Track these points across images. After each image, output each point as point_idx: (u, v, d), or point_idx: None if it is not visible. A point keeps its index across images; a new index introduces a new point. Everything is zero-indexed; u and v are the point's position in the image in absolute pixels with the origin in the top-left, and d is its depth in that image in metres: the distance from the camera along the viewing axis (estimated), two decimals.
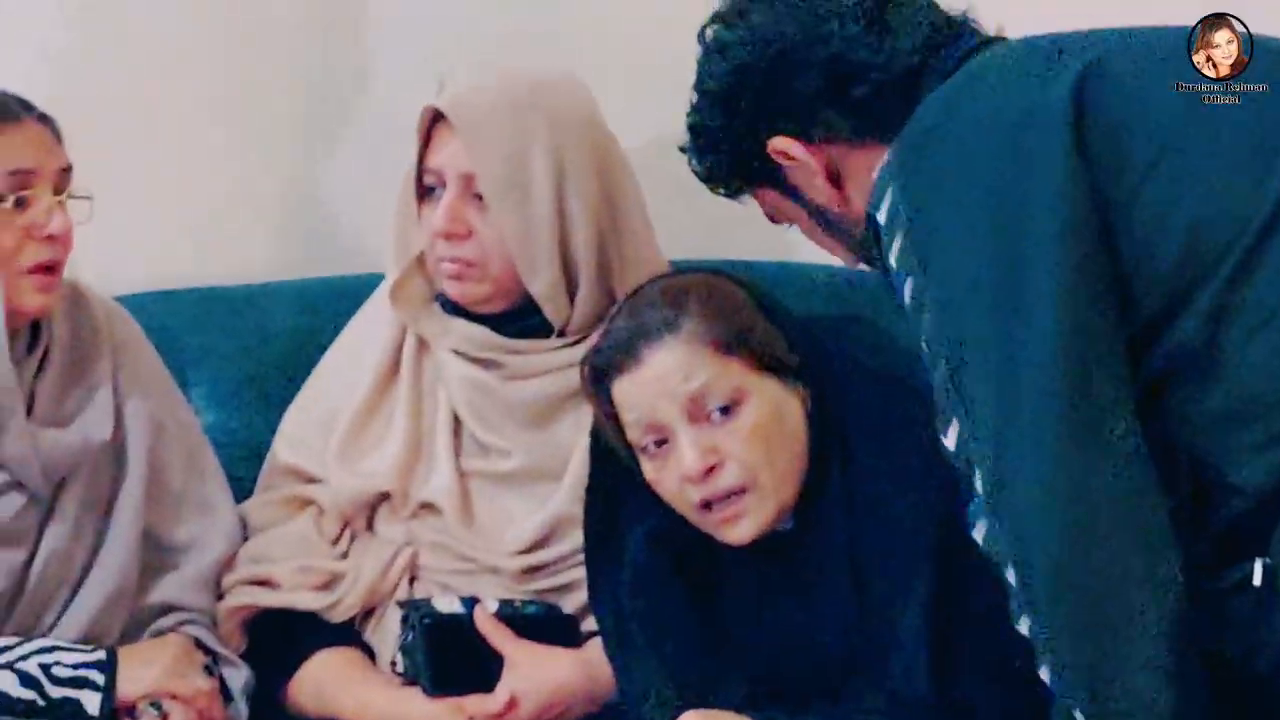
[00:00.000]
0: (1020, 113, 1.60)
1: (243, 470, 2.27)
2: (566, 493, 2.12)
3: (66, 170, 1.96)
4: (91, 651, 1.98)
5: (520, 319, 2.17)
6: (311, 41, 2.68)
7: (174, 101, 2.57)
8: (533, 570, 2.13)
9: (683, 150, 1.84)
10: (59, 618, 2.05)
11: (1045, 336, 1.49)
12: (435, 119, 2.14)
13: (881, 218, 1.59)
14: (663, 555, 2.03)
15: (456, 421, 2.20)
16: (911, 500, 1.94)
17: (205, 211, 2.62)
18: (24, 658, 1.95)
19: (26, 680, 1.94)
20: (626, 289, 2.16)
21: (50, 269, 1.99)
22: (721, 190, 1.85)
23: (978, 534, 1.52)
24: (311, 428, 2.24)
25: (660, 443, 1.86)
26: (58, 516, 2.04)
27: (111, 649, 2.00)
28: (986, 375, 1.53)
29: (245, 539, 2.21)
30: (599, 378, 1.92)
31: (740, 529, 1.91)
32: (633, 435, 1.87)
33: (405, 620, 2.06)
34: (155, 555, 2.13)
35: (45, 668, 1.95)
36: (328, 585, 2.13)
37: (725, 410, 1.88)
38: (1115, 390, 1.48)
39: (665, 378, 1.90)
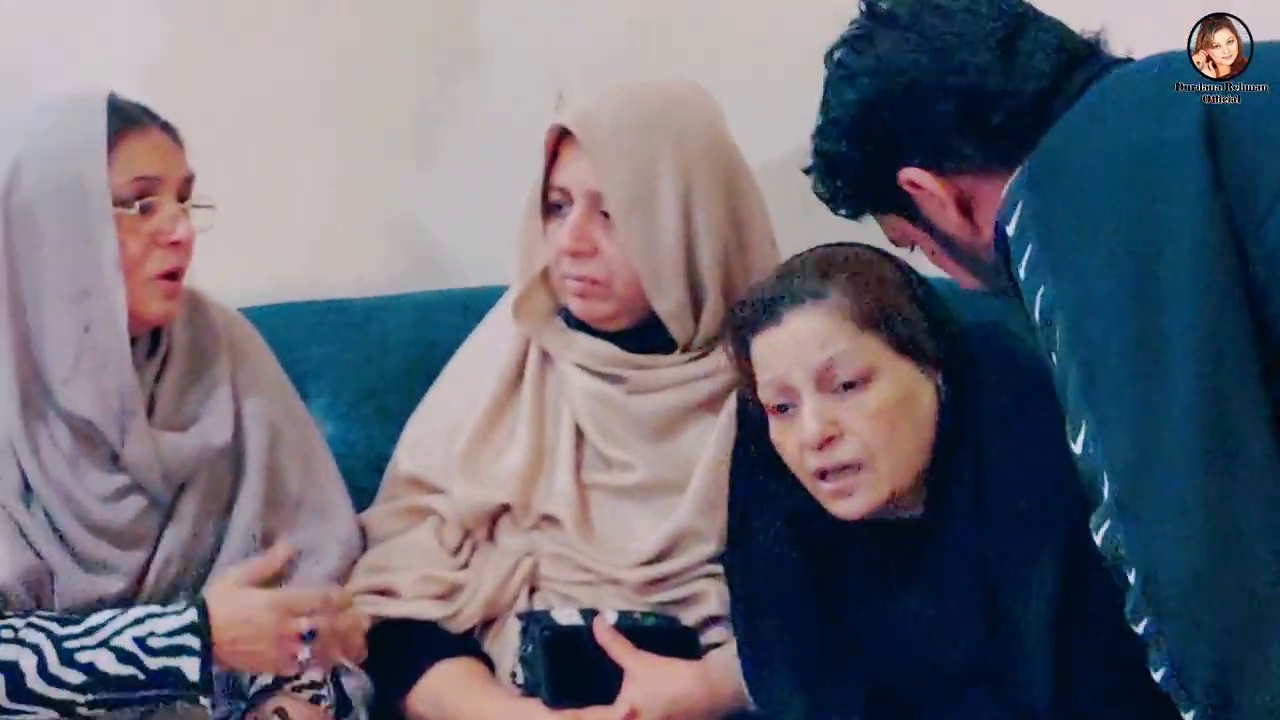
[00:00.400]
0: (1157, 126, 1.61)
1: (363, 481, 2.28)
2: (689, 505, 2.12)
3: (189, 179, 1.99)
4: (183, 612, 1.99)
5: (643, 336, 2.18)
6: (424, 66, 2.71)
7: (296, 119, 2.62)
8: (654, 583, 2.13)
9: (806, 172, 1.83)
10: None
11: (1186, 354, 1.48)
12: (561, 136, 2.14)
13: (1011, 229, 1.60)
14: (798, 540, 2.04)
15: (578, 434, 2.20)
16: (1043, 500, 1.93)
17: (325, 225, 2.67)
18: (118, 633, 1.96)
19: (124, 656, 1.94)
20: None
21: (173, 276, 2.01)
22: (843, 212, 1.85)
23: (1098, 536, 1.53)
24: (433, 439, 2.25)
25: (788, 406, 1.87)
26: (177, 519, 2.07)
27: (202, 603, 2.02)
28: (1123, 388, 1.52)
29: (365, 548, 2.23)
30: (740, 332, 1.94)
31: (850, 504, 1.92)
32: (764, 395, 1.89)
33: (525, 632, 2.07)
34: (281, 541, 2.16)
35: (140, 640, 1.95)
36: (448, 595, 2.15)
37: (853, 385, 1.89)
38: (1254, 408, 1.47)
39: (801, 343, 1.91)
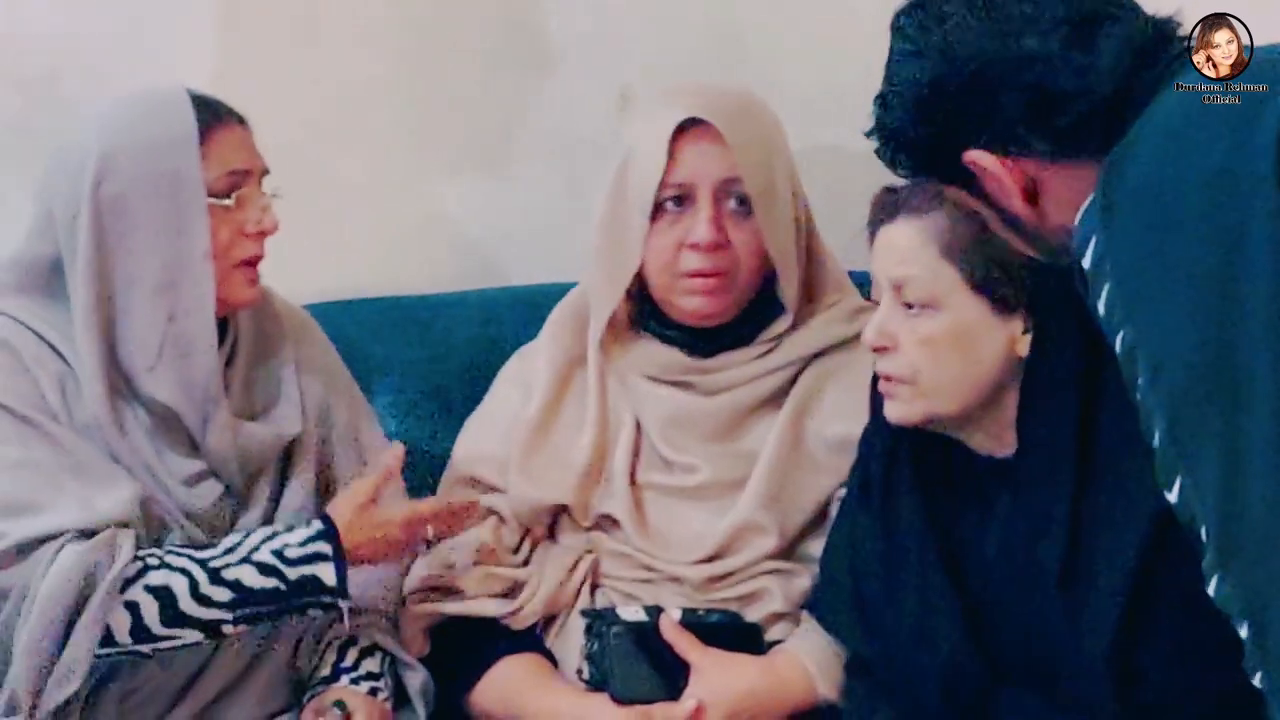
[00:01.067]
0: (1234, 157, 1.56)
1: (425, 478, 2.30)
2: (749, 500, 2.14)
3: (266, 172, 2.04)
4: (309, 525, 2.07)
5: (719, 335, 2.22)
6: (490, 70, 2.73)
7: (363, 120, 2.69)
8: (715, 579, 2.15)
9: (868, 135, 1.77)
10: None
11: (1267, 399, 1.46)
12: (678, 133, 2.17)
13: (1087, 264, 1.58)
14: (914, 465, 2.12)
15: (637, 433, 2.24)
16: (1146, 471, 1.80)
17: (390, 224, 2.72)
18: (255, 549, 2.02)
19: (265, 569, 2.01)
20: (825, 289, 2.32)
21: (253, 263, 2.07)
22: (903, 174, 1.81)
23: (1210, 588, 1.48)
24: (491, 438, 2.28)
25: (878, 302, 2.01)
26: (251, 505, 2.13)
27: (325, 514, 2.09)
28: (1210, 439, 1.50)
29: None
30: (872, 224, 2.03)
31: (891, 409, 2.02)
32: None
33: (590, 629, 2.08)
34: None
35: (278, 553, 2.02)
36: (510, 593, 2.17)
37: (916, 307, 1.96)
38: None
39: (890, 251, 2.01)
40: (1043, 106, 1.65)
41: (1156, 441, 1.51)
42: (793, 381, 2.24)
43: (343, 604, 2.04)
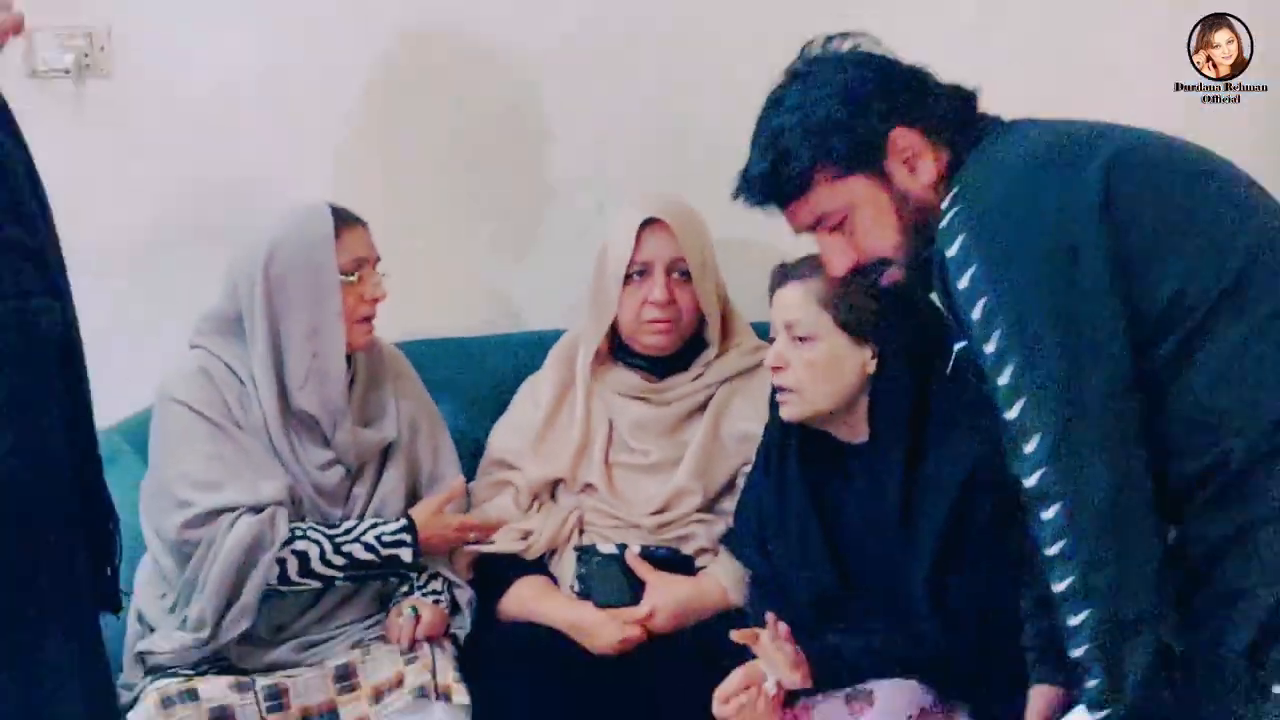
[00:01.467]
0: (1070, 189, 1.93)
1: (471, 459, 2.97)
2: (683, 474, 2.81)
3: (378, 259, 2.66)
4: (396, 522, 2.74)
5: (668, 362, 2.87)
6: (513, 185, 3.39)
7: (431, 203, 3.33)
8: (661, 526, 2.81)
9: (768, 155, 2.11)
10: None
11: (1096, 350, 1.86)
12: (642, 227, 2.79)
13: (953, 252, 1.92)
14: (801, 457, 2.65)
15: (610, 430, 2.88)
16: (954, 452, 2.50)
17: (448, 284, 3.37)
18: (363, 534, 2.70)
19: (368, 548, 2.68)
20: (735, 333, 2.96)
21: (369, 319, 2.68)
22: (794, 189, 2.07)
23: (1032, 479, 1.83)
24: (513, 434, 2.93)
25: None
26: (360, 483, 2.77)
27: (409, 517, 2.75)
28: (1055, 374, 1.85)
29: (469, 508, 2.90)
30: (773, 284, 2.56)
31: (784, 410, 2.56)
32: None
33: (579, 559, 2.71)
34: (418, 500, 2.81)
35: (377, 538, 2.68)
36: (524, 537, 2.81)
37: (802, 339, 2.49)
38: (1133, 398, 1.84)
39: (784, 304, 2.52)
40: (929, 101, 2.05)
41: (1009, 376, 1.84)
42: (712, 396, 2.88)
43: (414, 574, 2.71)
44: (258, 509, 2.68)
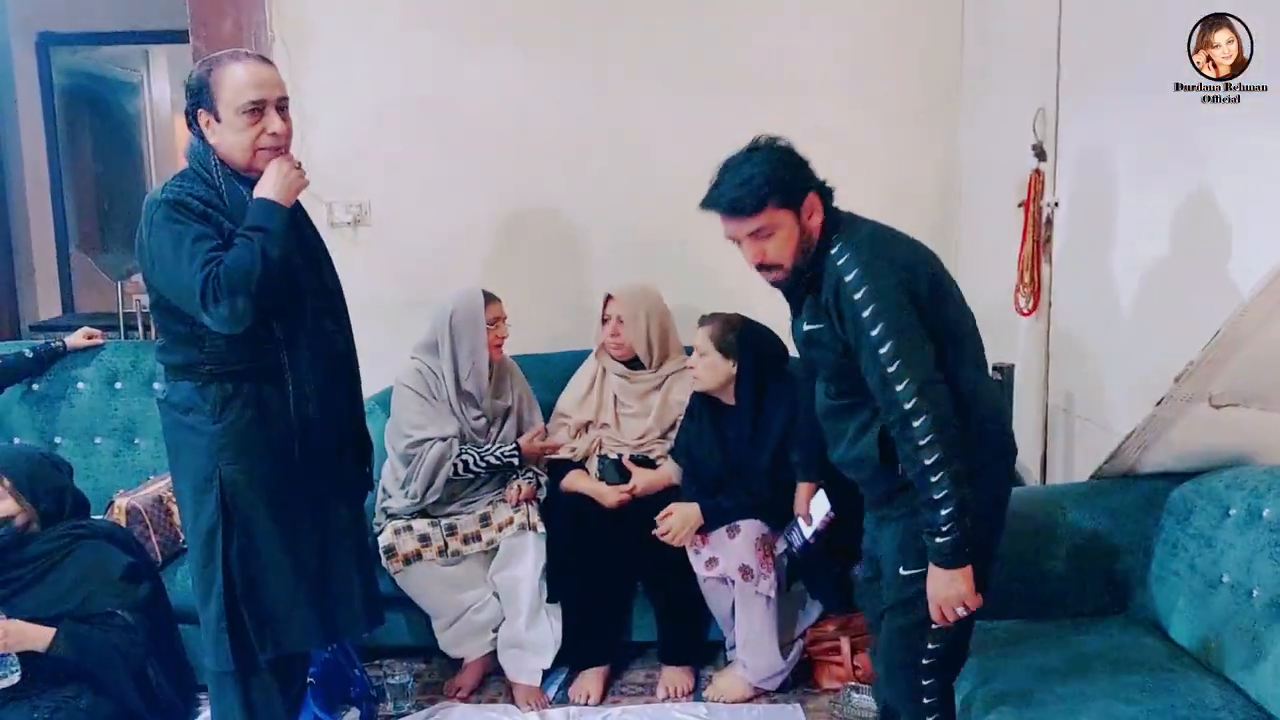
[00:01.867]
0: (915, 252, 2.14)
1: (545, 414, 3.45)
2: (650, 420, 3.38)
3: (505, 316, 3.22)
4: (510, 445, 3.22)
5: (635, 363, 3.41)
6: (570, 265, 3.82)
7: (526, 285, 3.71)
8: (639, 445, 3.37)
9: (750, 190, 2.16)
10: None
11: (926, 341, 2.00)
12: (609, 298, 3.39)
13: (848, 277, 2.01)
14: (705, 417, 3.12)
15: (614, 397, 3.42)
16: (776, 413, 2.98)
17: (539, 327, 3.68)
18: (491, 452, 3.19)
19: (497, 458, 3.20)
20: (670, 356, 3.38)
21: (500, 347, 3.20)
22: (753, 208, 2.12)
23: (909, 404, 1.93)
24: (566, 400, 3.49)
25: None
26: (493, 427, 3.33)
27: (517, 444, 3.21)
28: (912, 347, 1.97)
29: (546, 435, 3.36)
30: (699, 325, 3.06)
31: (694, 385, 3.12)
32: None
33: (599, 461, 3.36)
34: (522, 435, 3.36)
35: (502, 453, 3.22)
36: (573, 450, 3.40)
37: (701, 355, 3.05)
38: (940, 380, 2.00)
39: (698, 340, 3.04)
40: (820, 182, 2.19)
41: (889, 346, 1.95)
42: (663, 382, 3.40)
43: (519, 470, 3.26)
44: (443, 439, 3.20)
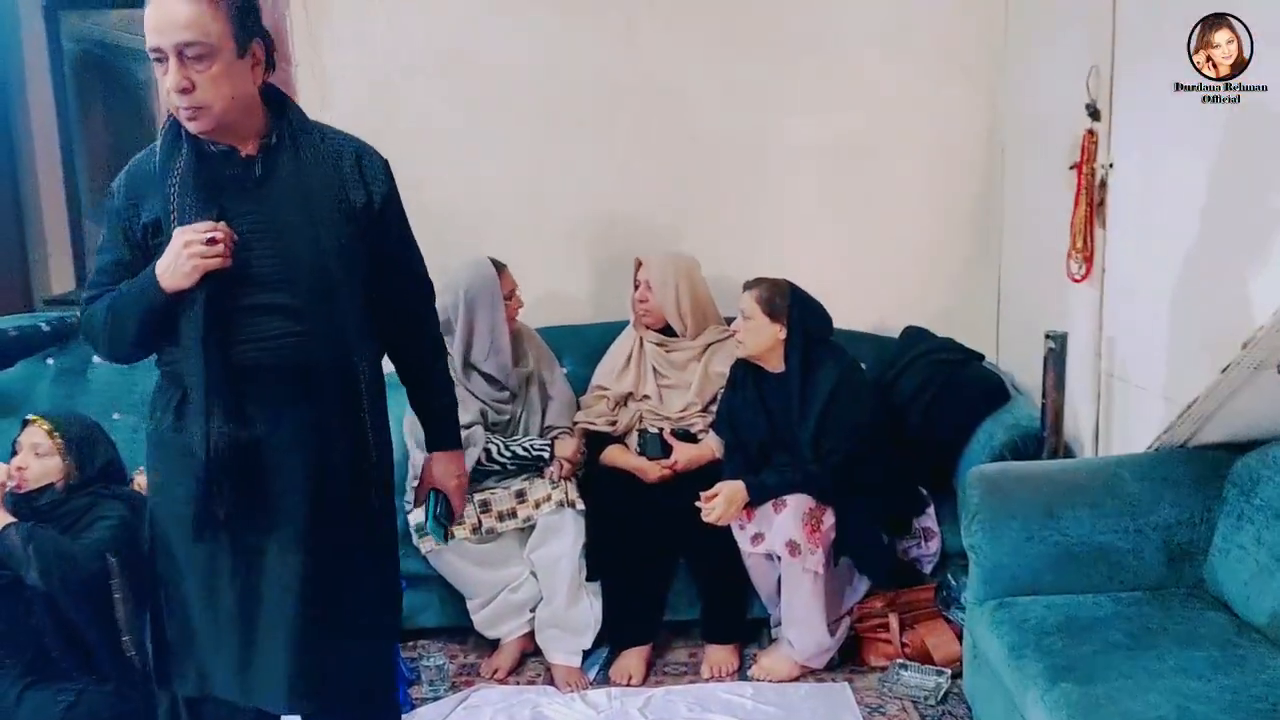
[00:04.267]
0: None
1: (579, 390, 3.47)
2: (691, 393, 3.35)
3: (516, 285, 3.32)
4: (544, 440, 3.18)
5: (670, 331, 3.39)
6: (607, 235, 3.79)
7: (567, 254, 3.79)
8: (680, 419, 3.36)
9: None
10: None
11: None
12: (639, 264, 3.42)
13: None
14: (750, 384, 3.10)
15: (653, 368, 3.40)
16: (826, 376, 2.98)
17: (575, 297, 3.79)
18: (520, 442, 3.16)
19: (525, 449, 3.14)
20: (708, 325, 3.39)
21: (515, 318, 3.23)
22: None
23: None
24: (606, 371, 3.47)
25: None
26: (515, 403, 3.31)
27: (553, 442, 3.16)
28: None
29: (579, 408, 3.41)
30: (744, 290, 3.05)
31: (738, 350, 3.08)
32: None
33: (639, 435, 3.37)
34: (550, 405, 3.34)
35: (528, 448, 3.17)
36: (612, 424, 3.40)
37: (746, 318, 3.02)
38: None
39: (743, 302, 3.03)
40: None
41: None
42: (704, 352, 3.39)
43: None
44: (466, 427, 3.08)
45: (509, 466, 3.16)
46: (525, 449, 3.18)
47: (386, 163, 2.09)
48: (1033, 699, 2.21)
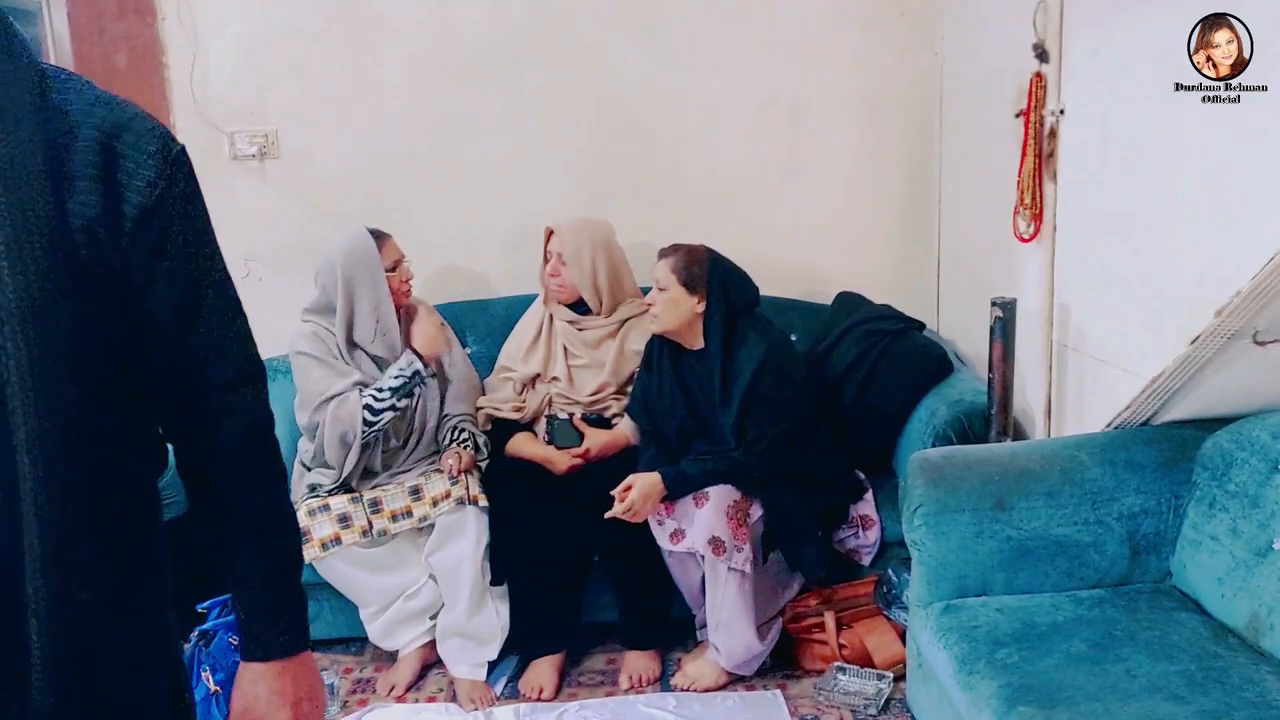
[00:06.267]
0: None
1: (484, 371, 3.23)
2: (605, 373, 3.08)
3: (403, 257, 2.94)
4: (403, 353, 2.86)
5: (583, 307, 3.13)
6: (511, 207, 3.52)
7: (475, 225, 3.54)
8: (593, 403, 3.10)
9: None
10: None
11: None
12: (550, 234, 3.12)
13: None
14: (667, 357, 2.88)
15: (564, 348, 3.13)
16: (749, 353, 2.72)
17: (477, 269, 3.54)
18: (385, 381, 2.82)
19: (394, 378, 2.82)
20: (624, 299, 3.12)
21: (407, 293, 2.97)
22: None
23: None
24: (512, 350, 3.20)
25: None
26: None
27: (410, 346, 2.87)
28: None
29: (484, 392, 3.17)
30: (659, 258, 2.81)
31: (652, 326, 2.85)
32: None
33: (548, 423, 3.08)
34: (449, 389, 3.06)
35: (396, 374, 2.82)
36: (519, 410, 3.13)
37: (661, 289, 2.79)
38: None
39: (656, 273, 2.80)
40: None
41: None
42: (619, 328, 3.12)
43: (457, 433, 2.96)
44: (340, 393, 2.85)
45: (397, 406, 2.85)
46: (394, 378, 2.87)
47: (170, 148, 1.20)
48: None
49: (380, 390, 2.87)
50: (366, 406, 2.86)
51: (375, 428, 2.89)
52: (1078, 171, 2.68)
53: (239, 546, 1.27)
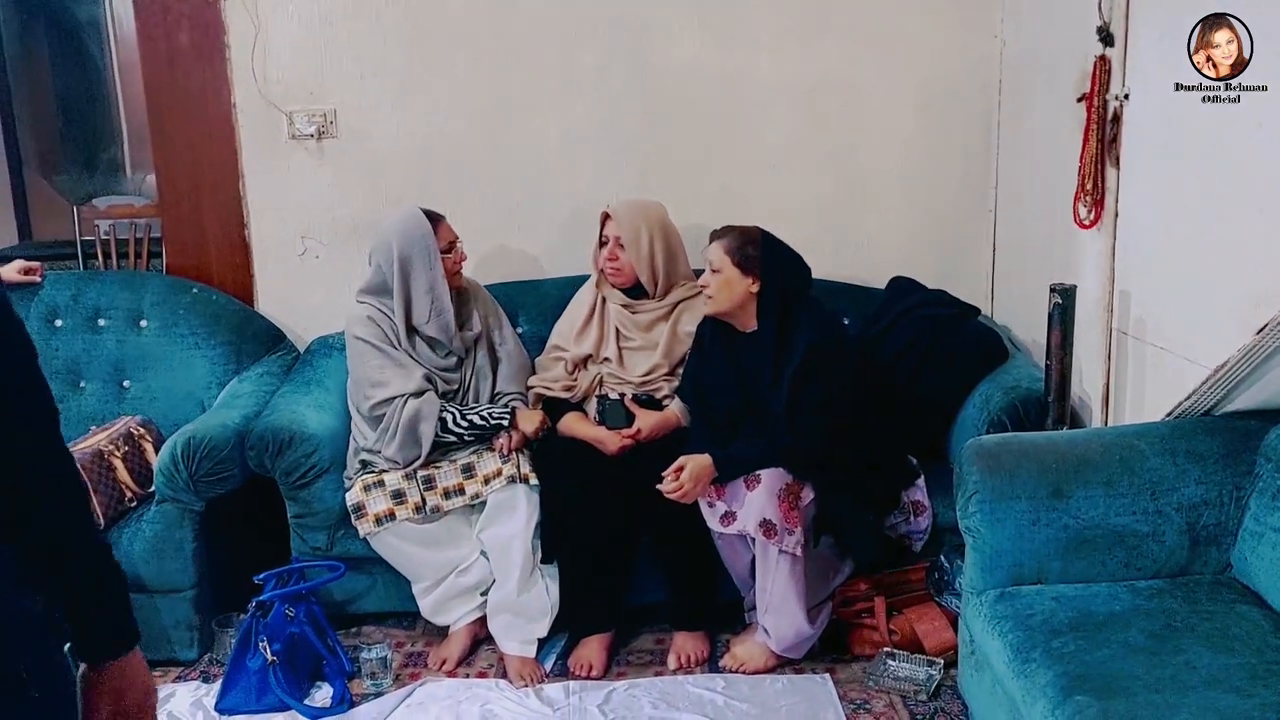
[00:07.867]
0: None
1: (535, 351, 3.21)
2: (658, 355, 3.04)
3: (457, 237, 2.92)
4: (503, 408, 2.90)
5: (638, 290, 3.09)
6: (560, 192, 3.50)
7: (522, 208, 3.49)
8: (644, 384, 3.06)
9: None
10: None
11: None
12: (605, 217, 3.08)
13: None
14: (719, 340, 2.82)
15: (616, 330, 3.09)
16: (796, 342, 2.68)
17: (529, 249, 3.52)
18: (477, 410, 2.88)
19: (482, 417, 2.86)
20: (679, 282, 3.08)
21: (458, 274, 2.95)
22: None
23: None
24: (564, 330, 3.18)
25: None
26: (463, 366, 3.04)
27: (513, 409, 2.89)
28: None
29: (534, 371, 3.14)
30: (710, 240, 2.78)
31: (706, 307, 2.80)
32: None
33: (599, 401, 3.06)
34: (500, 368, 3.06)
35: (486, 416, 2.87)
36: (569, 389, 3.10)
37: (716, 271, 2.75)
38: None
39: (709, 254, 2.77)
40: None
41: None
42: (669, 314, 3.06)
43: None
44: (416, 394, 2.88)
45: (466, 438, 2.89)
46: (484, 418, 2.91)
47: None
48: (1042, 713, 1.91)
49: (463, 417, 2.90)
50: (441, 421, 2.88)
51: (442, 441, 2.91)
52: (1141, 157, 2.60)
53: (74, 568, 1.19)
